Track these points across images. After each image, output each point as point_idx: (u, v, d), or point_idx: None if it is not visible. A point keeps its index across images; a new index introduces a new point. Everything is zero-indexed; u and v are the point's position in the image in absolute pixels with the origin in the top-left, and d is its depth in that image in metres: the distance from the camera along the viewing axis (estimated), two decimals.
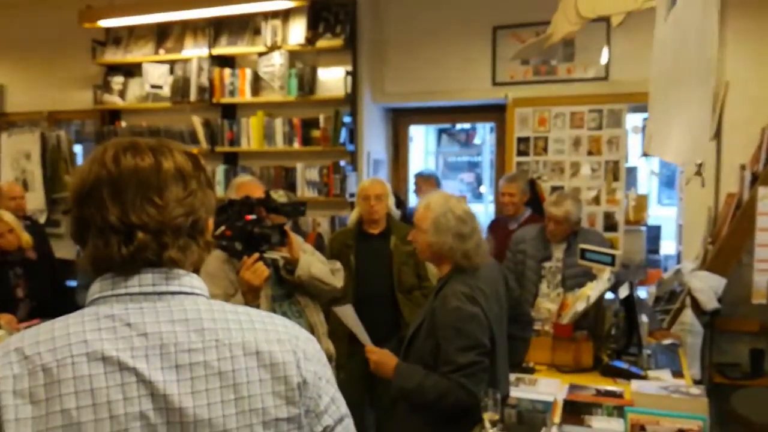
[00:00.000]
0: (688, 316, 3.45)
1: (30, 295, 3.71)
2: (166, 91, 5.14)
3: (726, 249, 3.54)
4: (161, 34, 5.24)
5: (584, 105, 4.51)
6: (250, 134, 5.00)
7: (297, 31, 4.81)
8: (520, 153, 4.63)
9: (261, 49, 4.90)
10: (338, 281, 2.59)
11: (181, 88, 5.12)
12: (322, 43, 4.72)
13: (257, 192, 2.49)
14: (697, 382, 2.80)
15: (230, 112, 5.15)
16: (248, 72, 4.96)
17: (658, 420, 1.98)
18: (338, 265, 2.66)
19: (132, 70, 5.36)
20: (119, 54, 5.33)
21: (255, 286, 2.22)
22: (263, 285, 2.27)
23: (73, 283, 4.19)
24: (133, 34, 5.32)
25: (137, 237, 0.95)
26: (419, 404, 2.14)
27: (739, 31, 3.95)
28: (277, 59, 4.86)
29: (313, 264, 2.47)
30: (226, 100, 5.03)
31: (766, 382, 3.50)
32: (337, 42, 4.68)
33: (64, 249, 4.91)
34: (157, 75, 5.12)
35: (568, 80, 4.59)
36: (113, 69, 5.42)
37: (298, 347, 1.00)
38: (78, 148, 6.07)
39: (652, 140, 1.98)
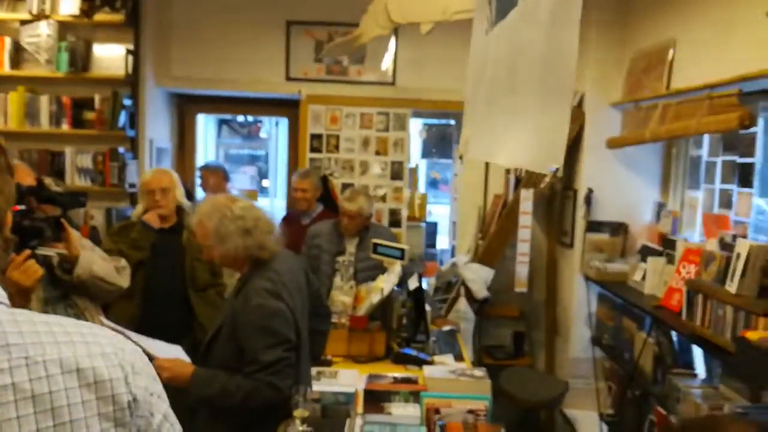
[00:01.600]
0: (462, 304, 3.80)
1: None
2: None
3: (494, 243, 3.97)
4: None
5: (373, 107, 4.72)
6: (8, 111, 4.36)
7: (69, 1, 4.30)
8: (312, 149, 4.69)
9: (24, 16, 4.29)
10: (124, 280, 2.36)
11: None
12: (99, 17, 4.28)
13: (27, 179, 2.17)
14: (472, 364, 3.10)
15: None
16: (8, 41, 4.32)
17: (450, 403, 2.15)
18: (123, 262, 2.43)
19: None
20: None
21: (25, 288, 1.93)
22: (35, 286, 1.98)
23: None
24: None
25: None
26: (223, 409, 2.05)
27: None
28: (44, 29, 4.31)
29: (95, 261, 2.22)
30: None
31: (526, 362, 4.00)
32: (117, 17, 4.28)
33: None
34: None
35: (359, 82, 4.76)
36: None
37: (125, 360, 0.88)
38: None
39: (470, 144, 2.14)
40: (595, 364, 3.67)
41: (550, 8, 1.30)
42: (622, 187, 3.65)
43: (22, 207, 2.06)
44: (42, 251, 2.04)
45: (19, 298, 1.94)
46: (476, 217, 4.57)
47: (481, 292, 3.76)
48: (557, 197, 3.96)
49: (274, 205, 7.11)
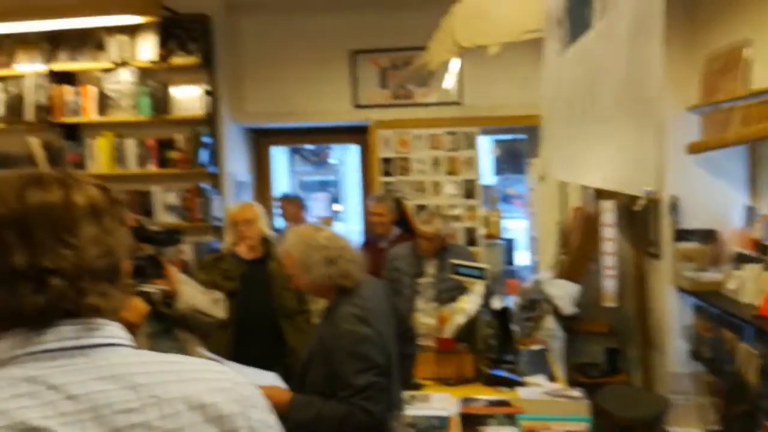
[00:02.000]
0: (549, 322, 3.71)
1: None
2: None
3: (577, 258, 3.87)
4: None
5: (441, 128, 4.73)
6: (98, 156, 4.63)
7: (146, 48, 4.54)
8: (384, 173, 4.73)
9: (107, 65, 4.57)
10: (221, 312, 2.45)
11: (14, 106, 4.61)
12: (175, 61, 4.50)
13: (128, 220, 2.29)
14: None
15: (73, 132, 4.73)
16: (93, 90, 4.60)
17: (548, 425, 2.09)
18: (219, 294, 2.52)
19: None
20: None
21: (133, 324, 2.03)
22: (141, 322, 2.08)
23: None
24: None
25: (51, 283, 0.82)
26: None
27: None
28: (126, 76, 4.57)
29: (194, 296, 2.32)
30: (69, 119, 4.61)
31: (621, 378, 3.85)
32: (192, 60, 4.49)
33: None
34: None
35: (425, 104, 4.79)
36: None
37: (241, 395, 0.92)
38: None
39: (552, 164, 2.11)
40: (695, 378, 3.49)
41: (630, 25, 1.28)
42: (708, 192, 3.49)
43: None
44: (145, 288, 2.14)
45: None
46: (556, 232, 4.48)
47: (568, 308, 3.67)
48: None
49: (349, 230, 7.20)
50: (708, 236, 3.48)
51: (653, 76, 1.19)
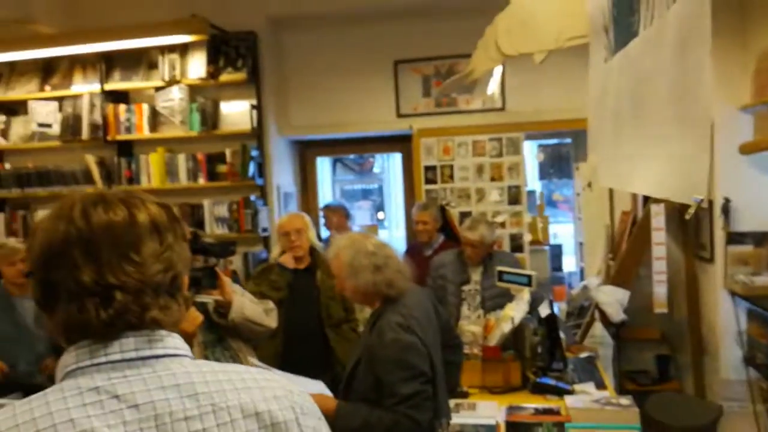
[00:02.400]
0: (598, 328, 3.66)
1: None
2: (55, 129, 4.82)
3: (626, 263, 3.80)
4: (47, 70, 4.93)
5: (484, 134, 4.73)
6: (151, 171, 4.80)
7: (196, 66, 4.69)
8: (428, 181, 4.76)
9: (158, 83, 4.73)
10: (272, 321, 2.52)
11: (71, 125, 4.83)
12: (224, 77, 4.63)
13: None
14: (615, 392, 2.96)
15: (127, 149, 4.92)
16: (145, 107, 4.78)
17: None
18: (271, 304, 2.59)
19: (15, 108, 4.99)
20: None
21: (188, 334, 2.11)
22: (196, 332, 2.16)
23: None
24: (15, 70, 4.96)
25: (116, 298, 0.88)
26: None
27: None
28: (177, 94, 4.72)
29: (246, 305, 2.39)
30: (122, 136, 4.80)
31: (673, 386, 3.77)
32: (240, 76, 4.61)
33: None
34: (44, 113, 4.80)
35: (468, 111, 4.79)
36: None
37: (295, 403, 0.96)
38: None
39: (600, 172, 2.11)
40: (750, 385, 3.39)
41: (678, 32, 1.28)
42: (762, 193, 3.38)
43: None
44: (200, 299, 2.22)
45: None
46: (604, 237, 4.41)
47: (617, 315, 3.61)
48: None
49: (393, 237, 7.24)
50: (762, 239, 3.38)
51: (702, 84, 1.18)
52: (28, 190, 4.91)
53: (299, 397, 0.98)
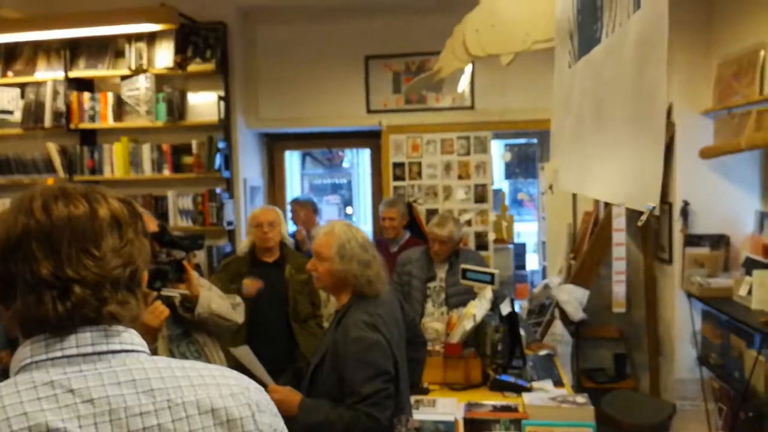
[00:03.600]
0: (558, 327, 3.73)
1: None
2: (17, 116, 4.71)
3: (587, 263, 3.89)
4: (9, 55, 4.81)
5: (453, 132, 4.76)
6: (114, 161, 4.72)
7: (164, 55, 4.63)
8: (396, 178, 4.78)
9: (124, 72, 4.66)
10: (239, 316, 2.50)
11: (33, 112, 4.72)
12: (192, 68, 4.58)
13: (150, 225, 2.34)
14: (572, 389, 3.03)
15: (90, 138, 4.83)
16: (110, 96, 4.70)
17: (553, 431, 2.13)
18: (238, 299, 2.57)
19: None
20: None
21: (153, 328, 2.08)
22: (162, 326, 2.13)
23: None
24: None
25: (74, 292, 0.88)
26: None
27: None
28: (143, 83, 4.65)
29: (213, 300, 2.37)
30: (86, 125, 4.71)
31: (629, 384, 3.87)
32: (208, 66, 4.57)
33: None
34: (6, 99, 4.68)
35: (438, 109, 4.82)
36: None
37: (251, 399, 0.97)
38: None
39: (560, 175, 2.15)
40: (703, 384, 3.50)
41: (636, 46, 1.31)
42: (720, 197, 3.49)
43: None
44: (166, 292, 2.19)
45: (148, 337, 2.07)
46: (566, 236, 4.50)
47: (576, 313, 3.69)
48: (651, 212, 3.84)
49: None
50: (719, 241, 3.49)
51: (658, 92, 1.22)
52: None
53: (255, 394, 0.98)
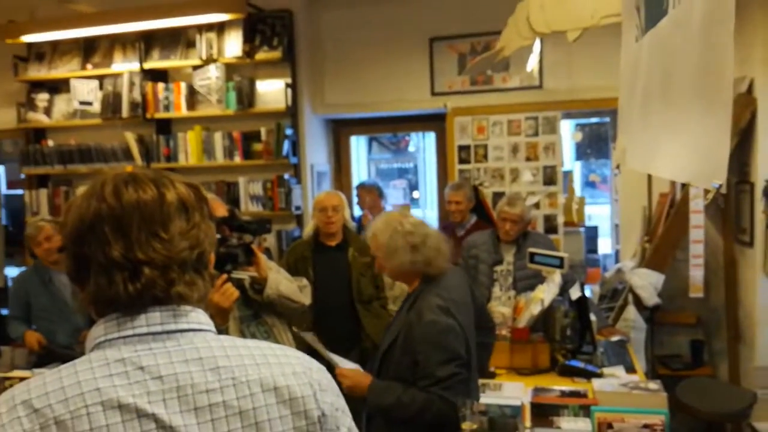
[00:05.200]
0: (631, 312, 3.62)
1: None
2: (96, 107, 4.94)
3: (662, 246, 3.74)
4: (88, 49, 5.04)
5: (520, 113, 4.65)
6: (188, 149, 4.88)
7: (233, 44, 4.73)
8: (461, 161, 4.73)
9: (196, 62, 4.79)
10: (306, 298, 2.57)
11: (111, 103, 4.94)
12: (259, 56, 4.67)
13: (220, 210, 2.43)
14: (645, 376, 2.93)
15: (165, 127, 5.01)
16: (183, 86, 4.85)
17: (623, 417, 2.07)
18: (305, 281, 2.65)
19: (58, 87, 5.13)
20: (43, 70, 5.09)
21: (224, 309, 2.17)
22: (232, 307, 2.21)
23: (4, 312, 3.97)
24: (57, 50, 5.09)
25: (144, 273, 0.92)
26: (397, 420, 2.14)
27: None
28: (214, 72, 4.77)
29: (281, 282, 2.44)
30: (161, 114, 4.89)
31: (706, 372, 3.71)
32: (275, 54, 4.64)
33: None
34: (86, 91, 4.92)
35: (504, 89, 4.72)
36: (37, 86, 5.17)
37: (313, 379, 0.98)
38: (0, 169, 5.75)
39: (627, 153, 2.07)
40: None
41: (702, 13, 1.23)
42: None
43: (218, 236, 2.31)
44: (236, 275, 2.27)
45: (219, 318, 2.18)
46: (641, 219, 4.33)
47: (651, 299, 3.56)
48: (731, 192, 3.65)
49: (426, 216, 7.23)
50: None
51: (725, 64, 1.15)
52: (70, 166, 5.05)
53: (317, 374, 1.00)
